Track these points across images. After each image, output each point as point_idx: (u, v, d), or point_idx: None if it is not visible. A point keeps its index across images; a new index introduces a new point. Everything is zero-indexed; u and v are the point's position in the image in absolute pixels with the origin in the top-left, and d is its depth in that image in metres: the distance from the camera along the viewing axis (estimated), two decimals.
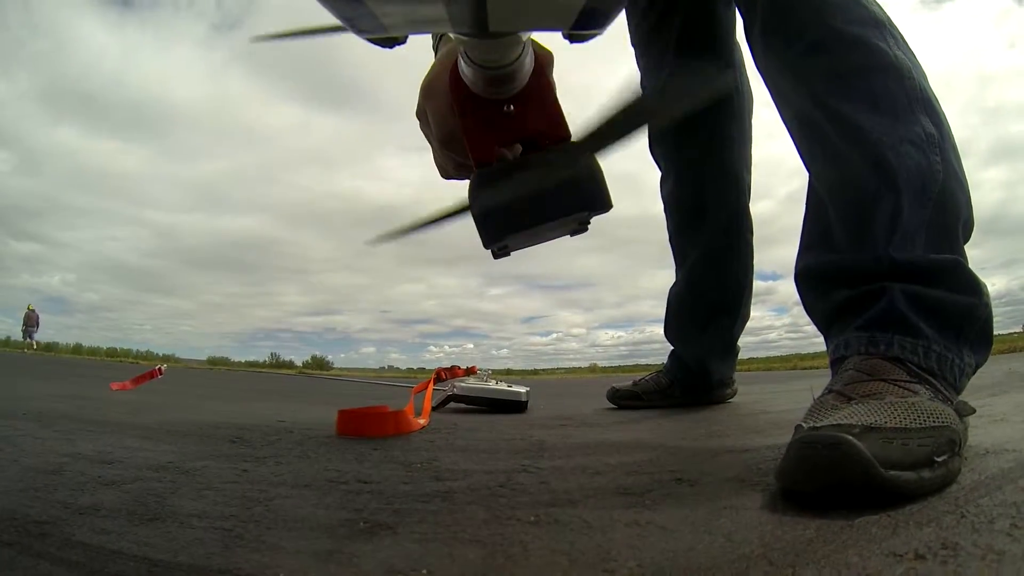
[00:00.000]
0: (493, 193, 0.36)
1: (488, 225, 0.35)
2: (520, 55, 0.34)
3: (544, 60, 0.39)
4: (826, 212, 0.58)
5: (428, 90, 0.42)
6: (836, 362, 0.53)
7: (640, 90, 0.35)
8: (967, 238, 0.55)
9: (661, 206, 1.09)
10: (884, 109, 0.54)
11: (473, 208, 0.36)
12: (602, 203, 0.36)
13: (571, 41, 0.45)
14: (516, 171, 0.36)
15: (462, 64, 0.35)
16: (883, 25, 0.57)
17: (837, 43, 0.57)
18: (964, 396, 0.52)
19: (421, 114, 0.45)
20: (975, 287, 0.52)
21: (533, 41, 0.38)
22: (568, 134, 0.38)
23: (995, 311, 0.54)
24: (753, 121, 1.05)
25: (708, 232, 1.02)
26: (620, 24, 1.01)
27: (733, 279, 1.05)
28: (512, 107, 0.36)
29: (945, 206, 0.54)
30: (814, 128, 0.59)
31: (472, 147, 0.37)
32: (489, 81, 0.35)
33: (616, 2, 0.43)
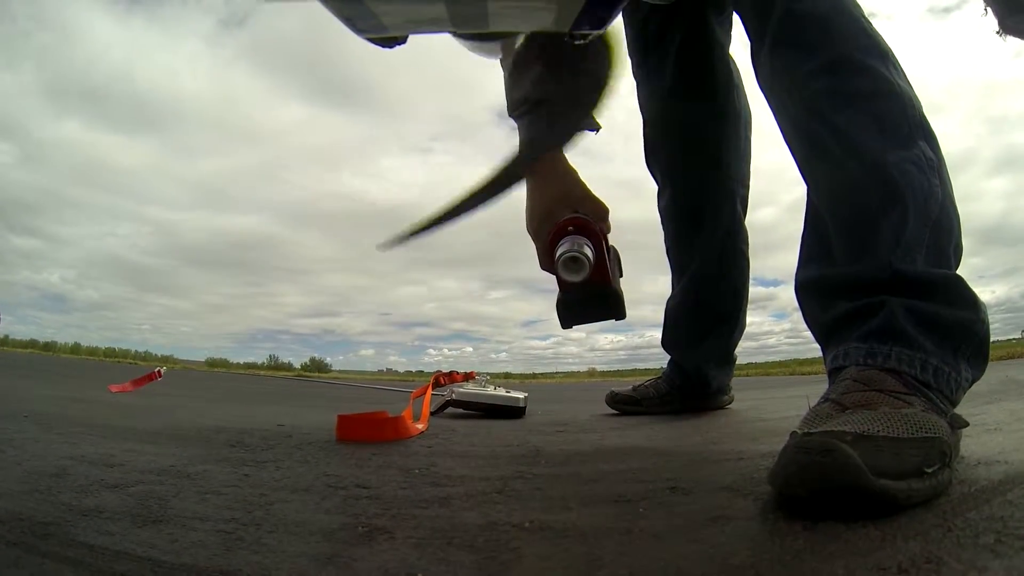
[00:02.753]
0: (567, 309, 0.68)
1: (564, 322, 0.69)
2: (586, 267, 0.63)
3: (600, 217, 0.68)
4: (825, 227, 0.59)
5: (537, 233, 0.69)
6: (834, 372, 0.54)
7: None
8: (958, 263, 0.57)
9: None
10: (887, 131, 0.56)
11: (559, 312, 0.68)
12: (621, 315, 0.70)
13: (572, 40, 0.47)
14: (582, 296, 0.67)
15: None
16: (887, 56, 0.59)
17: (845, 68, 0.58)
18: (960, 402, 0.52)
19: (532, 234, 0.71)
20: (974, 304, 0.53)
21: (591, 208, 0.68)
22: (611, 282, 0.67)
23: (995, 318, 0.55)
24: (752, 138, 1.06)
25: (705, 244, 1.04)
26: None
27: (730, 290, 1.06)
28: None
29: (942, 227, 0.55)
30: (817, 144, 0.60)
31: (559, 283, 0.67)
32: None
33: (616, 2, 0.45)
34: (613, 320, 0.72)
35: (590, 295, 0.69)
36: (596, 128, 0.75)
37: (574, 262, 0.64)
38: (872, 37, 0.60)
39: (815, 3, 0.61)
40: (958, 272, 0.56)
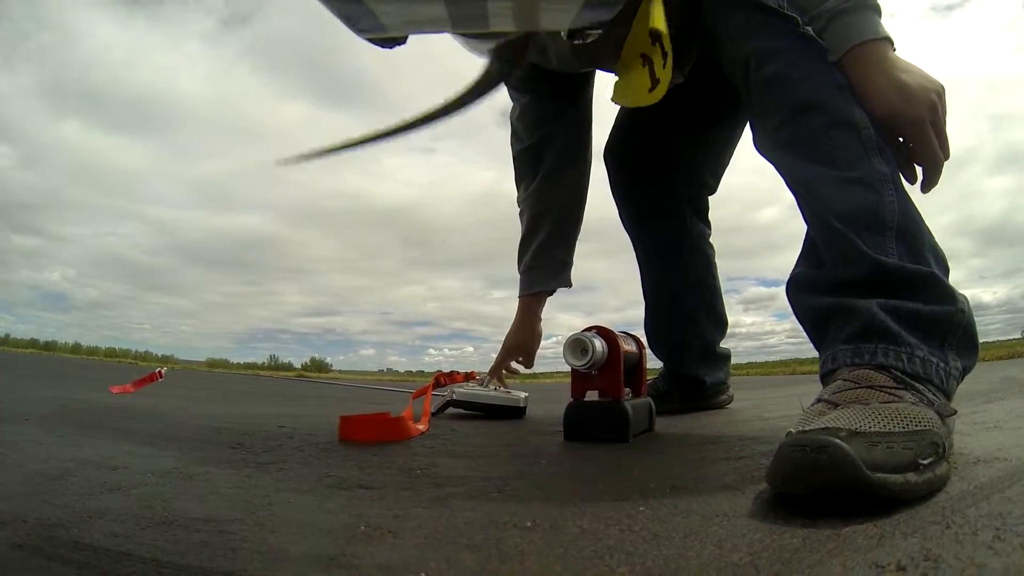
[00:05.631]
0: (576, 422, 0.72)
1: (566, 432, 0.72)
2: (596, 361, 0.70)
3: (615, 343, 0.72)
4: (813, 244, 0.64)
5: (507, 350, 1.16)
6: (825, 376, 0.55)
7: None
8: (939, 263, 0.58)
9: None
10: (839, 159, 0.60)
11: (565, 426, 0.72)
12: (623, 437, 0.69)
13: (572, 39, 0.47)
14: (590, 408, 0.72)
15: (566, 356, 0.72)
16: (844, 88, 0.62)
17: (801, 112, 0.63)
18: (958, 402, 0.53)
19: (503, 348, 1.02)
20: (951, 296, 0.55)
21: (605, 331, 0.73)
22: (620, 394, 0.71)
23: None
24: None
25: (656, 248, 1.09)
26: None
27: (690, 288, 1.08)
28: (593, 372, 0.72)
29: (907, 230, 0.57)
30: (791, 185, 0.66)
31: (572, 389, 0.73)
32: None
33: (614, 3, 0.45)
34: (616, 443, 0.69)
35: (598, 408, 0.71)
36: (569, 285, 1.12)
37: (580, 347, 0.70)
38: (826, 73, 0.63)
39: (770, 64, 0.66)
40: (949, 272, 0.58)
